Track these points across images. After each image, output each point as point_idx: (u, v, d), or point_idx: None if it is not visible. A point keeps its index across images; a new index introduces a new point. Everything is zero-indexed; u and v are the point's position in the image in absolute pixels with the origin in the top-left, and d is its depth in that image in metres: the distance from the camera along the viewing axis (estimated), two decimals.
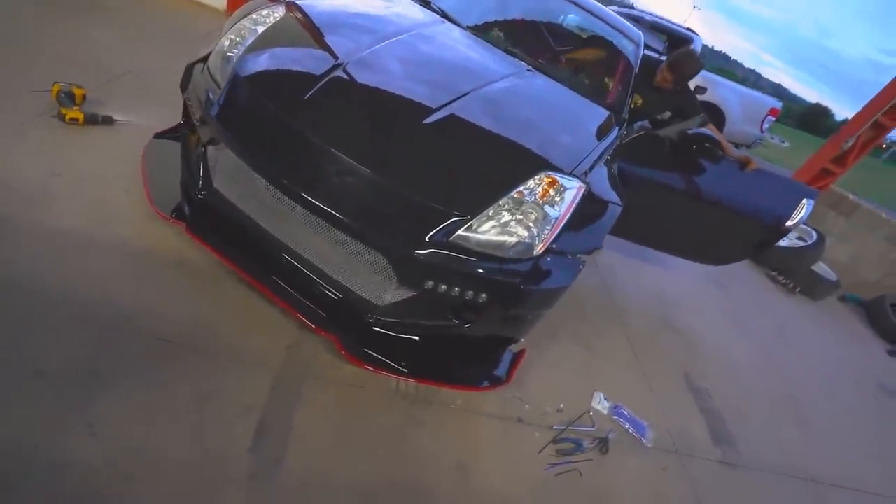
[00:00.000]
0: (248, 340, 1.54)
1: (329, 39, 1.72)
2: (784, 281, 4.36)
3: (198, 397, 1.33)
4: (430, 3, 2.39)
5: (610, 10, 3.04)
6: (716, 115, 6.58)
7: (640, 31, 2.79)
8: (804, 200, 2.46)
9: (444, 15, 2.32)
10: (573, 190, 1.58)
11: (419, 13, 2.22)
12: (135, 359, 1.35)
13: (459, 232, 1.40)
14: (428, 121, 1.53)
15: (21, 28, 2.59)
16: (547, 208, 1.51)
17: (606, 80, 2.53)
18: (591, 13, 2.75)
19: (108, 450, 1.15)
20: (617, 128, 2.16)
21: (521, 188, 1.49)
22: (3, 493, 1.02)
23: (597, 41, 2.71)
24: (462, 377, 1.63)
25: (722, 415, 2.30)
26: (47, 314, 1.35)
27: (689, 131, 2.39)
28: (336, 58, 1.61)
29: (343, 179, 1.39)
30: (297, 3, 1.88)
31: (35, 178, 1.72)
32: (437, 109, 1.57)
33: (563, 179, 1.57)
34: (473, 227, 1.41)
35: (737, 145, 6.46)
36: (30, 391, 1.18)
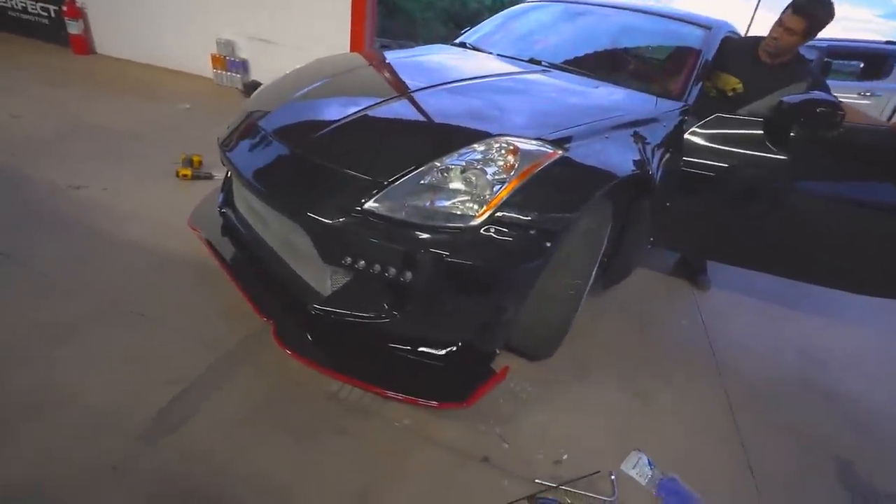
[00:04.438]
0: (211, 324, 1.60)
1: (315, 73, 1.93)
2: None
3: (130, 356, 1.40)
4: (464, 43, 2.53)
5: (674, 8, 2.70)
6: None
7: (716, 20, 2.37)
8: None
9: (474, 48, 2.42)
10: (538, 154, 1.31)
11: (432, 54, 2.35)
12: (107, 321, 1.53)
13: (376, 196, 1.26)
14: (360, 112, 1.53)
15: (191, 126, 3.63)
16: (493, 173, 1.27)
17: (667, 74, 2.17)
18: (651, 14, 2.49)
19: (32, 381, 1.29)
20: (660, 107, 1.82)
21: (467, 157, 1.30)
22: None
23: (654, 38, 2.40)
24: (400, 385, 1.32)
25: None
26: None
27: (789, 99, 1.76)
28: (301, 87, 1.79)
29: (273, 159, 1.46)
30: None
31: (139, 207, 2.27)
32: (378, 103, 1.57)
33: (523, 144, 1.33)
34: (394, 193, 1.26)
35: None
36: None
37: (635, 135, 1.62)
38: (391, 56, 2.23)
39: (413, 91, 1.65)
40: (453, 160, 1.30)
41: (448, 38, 2.73)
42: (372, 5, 4.12)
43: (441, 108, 1.61)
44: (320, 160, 1.38)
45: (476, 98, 1.68)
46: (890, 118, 5.49)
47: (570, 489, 1.25)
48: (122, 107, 3.74)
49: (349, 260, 1.27)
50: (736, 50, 2.20)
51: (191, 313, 1.65)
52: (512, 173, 1.26)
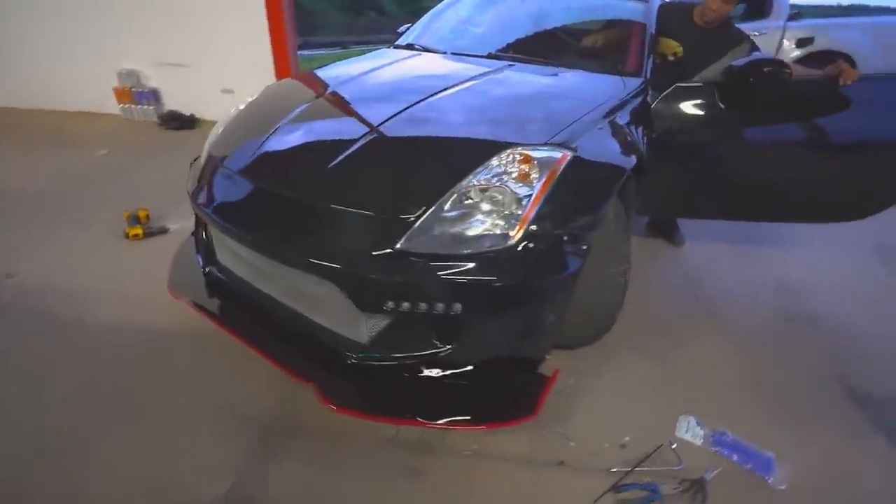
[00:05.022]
0: (234, 397, 1.48)
1: (277, 106, 1.80)
2: None
3: (159, 459, 1.28)
4: (412, 45, 2.45)
5: None
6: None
7: None
8: None
9: (425, 49, 2.35)
10: (551, 160, 1.32)
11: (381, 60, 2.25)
12: (115, 421, 1.37)
13: (406, 235, 1.21)
14: (358, 143, 1.45)
15: (119, 175, 3.27)
16: (516, 187, 1.26)
17: (615, 49, 2.25)
18: None
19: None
20: (628, 86, 1.87)
21: (482, 175, 1.28)
22: None
23: (595, 15, 2.48)
24: (469, 414, 1.31)
25: None
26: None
27: (737, 63, 1.91)
28: (281, 118, 1.66)
29: (270, 208, 1.37)
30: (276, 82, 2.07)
31: (96, 281, 2.03)
32: (372, 129, 1.50)
33: (535, 152, 1.33)
34: (422, 228, 1.22)
35: None
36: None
37: (620, 119, 1.67)
38: (344, 74, 2.10)
39: (399, 113, 1.58)
40: (471, 181, 1.28)
41: (349, 27, 2.66)
42: (289, 7, 3.86)
43: (435, 127, 1.57)
44: (333, 204, 1.30)
45: (464, 110, 1.64)
46: (776, 53, 6.09)
47: (646, 468, 1.32)
48: (27, 163, 3.28)
49: (391, 305, 1.22)
50: (672, 15, 2.32)
51: (207, 393, 1.51)
52: (535, 185, 1.27)
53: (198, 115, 4.22)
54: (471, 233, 1.22)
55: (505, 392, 1.37)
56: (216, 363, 1.63)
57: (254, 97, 1.97)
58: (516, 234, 1.22)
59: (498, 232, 1.22)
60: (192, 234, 2.20)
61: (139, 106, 4.25)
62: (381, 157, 1.43)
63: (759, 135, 2.03)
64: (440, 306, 1.21)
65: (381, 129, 1.50)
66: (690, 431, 1.45)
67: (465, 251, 1.20)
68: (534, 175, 1.28)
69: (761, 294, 2.22)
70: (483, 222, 1.23)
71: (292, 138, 1.58)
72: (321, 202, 1.32)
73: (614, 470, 1.32)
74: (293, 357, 1.43)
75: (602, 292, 1.52)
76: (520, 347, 1.36)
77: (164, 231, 2.44)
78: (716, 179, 2.10)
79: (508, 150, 1.34)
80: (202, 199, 1.55)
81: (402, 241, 1.20)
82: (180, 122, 4.08)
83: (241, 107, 1.93)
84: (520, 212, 1.23)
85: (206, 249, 1.75)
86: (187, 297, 1.71)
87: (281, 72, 3.92)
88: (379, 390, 1.35)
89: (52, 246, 2.30)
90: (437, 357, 1.31)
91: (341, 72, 2.11)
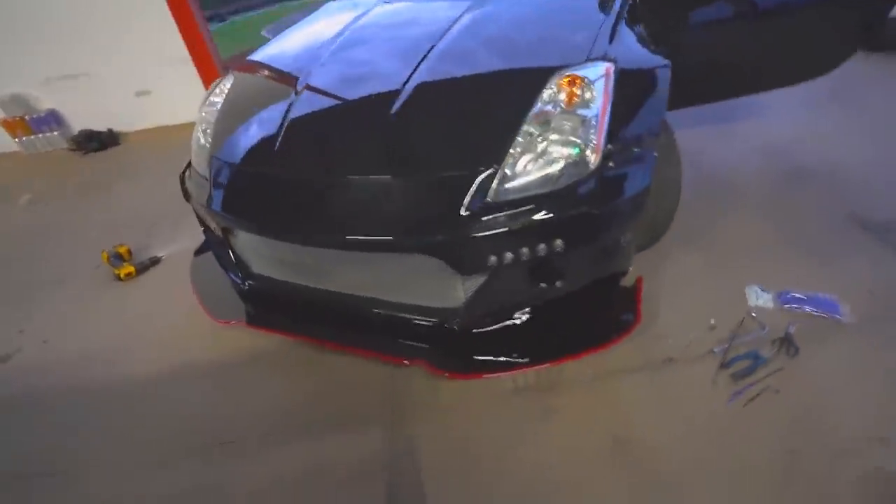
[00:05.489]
0: (342, 406, 1.44)
1: (277, 81, 1.61)
2: None
3: (310, 472, 1.25)
4: None
5: None
6: None
7: None
8: None
9: None
10: (600, 75, 1.28)
11: (353, 12, 2.02)
12: (226, 468, 1.31)
13: (493, 188, 1.17)
14: (398, 102, 1.34)
15: (62, 218, 2.87)
16: (580, 111, 1.23)
17: None
18: None
19: None
20: None
21: (538, 108, 1.23)
22: None
23: None
24: (581, 341, 1.36)
25: None
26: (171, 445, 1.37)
27: None
28: (290, 94, 1.49)
29: (345, 200, 1.25)
30: (242, 62, 1.82)
31: (110, 333, 1.83)
32: (403, 87, 1.37)
33: (582, 71, 1.29)
34: (506, 176, 1.18)
35: None
36: None
37: (627, 22, 1.64)
38: (321, 39, 1.83)
39: (420, 64, 1.44)
40: (533, 116, 1.23)
41: None
42: None
43: (466, 69, 1.44)
44: (405, 174, 1.21)
45: (484, 46, 1.52)
46: None
47: (740, 341, 1.44)
48: None
49: (493, 260, 1.20)
50: None
51: (309, 410, 1.44)
52: (596, 104, 1.24)
53: (117, 129, 3.69)
54: (552, 169, 1.20)
55: (606, 311, 1.42)
56: (301, 381, 1.55)
57: (225, 89, 1.72)
58: (595, 157, 1.20)
59: (578, 160, 1.20)
60: (198, 253, 2.02)
61: (40, 135, 3.64)
62: (429, 114, 1.33)
63: (704, 16, 2.03)
64: (541, 248, 1.20)
65: (413, 85, 1.38)
66: (760, 298, 1.59)
67: (553, 188, 1.18)
68: (589, 95, 1.25)
69: (756, 161, 2.38)
70: (560, 155, 1.20)
71: (317, 119, 1.43)
72: (392, 175, 1.22)
73: (715, 350, 1.43)
74: (385, 342, 1.40)
75: (663, 196, 1.56)
76: (609, 266, 1.39)
77: (156, 261, 2.21)
78: (682, 67, 2.13)
79: (555, 76, 1.28)
80: (228, 211, 1.39)
81: (490, 193, 1.17)
82: (99, 142, 3.56)
83: (215, 100, 1.69)
84: (591, 134, 1.21)
85: (237, 264, 1.60)
86: (238, 318, 1.59)
87: (199, 56, 3.46)
88: (486, 346, 1.35)
89: (40, 311, 2.02)
90: (538, 298, 1.32)
91: (314, 38, 1.87)
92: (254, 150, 1.42)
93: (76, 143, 3.58)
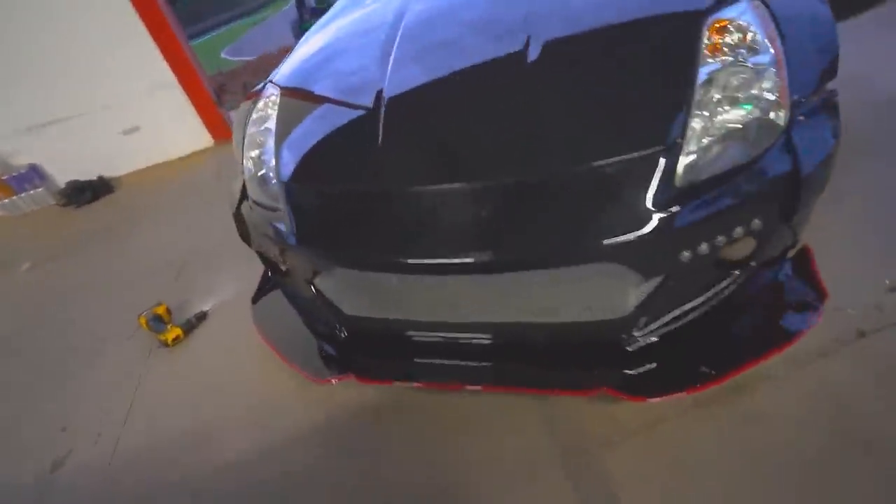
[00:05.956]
0: (497, 455, 1.20)
1: (345, 82, 1.34)
2: None
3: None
4: None
5: None
6: None
7: None
8: None
9: None
10: (756, 15, 1.05)
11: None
12: None
13: (682, 165, 0.94)
14: (526, 83, 1.09)
15: (73, 281, 2.55)
16: (752, 61, 1.00)
17: None
18: None
19: None
20: None
21: (703, 66, 1.00)
22: None
23: None
24: (768, 336, 1.14)
25: None
26: None
27: None
28: (369, 98, 1.22)
29: (499, 210, 1.00)
30: (280, 75, 1.54)
31: (180, 414, 1.56)
32: (522, 65, 1.11)
33: (733, 11, 1.05)
34: (691, 152, 0.95)
35: None
36: None
37: None
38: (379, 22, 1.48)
39: (529, 38, 1.16)
40: (702, 74, 1.00)
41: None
42: (164, 3, 2.99)
43: (588, 32, 1.16)
44: (577, 165, 0.97)
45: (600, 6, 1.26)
46: None
47: None
48: None
49: (686, 255, 0.97)
50: None
51: (462, 475, 1.19)
52: (766, 49, 1.01)
53: (107, 175, 3.35)
54: (740, 135, 0.97)
55: (788, 294, 1.20)
56: (423, 426, 1.30)
57: (270, 107, 1.42)
58: (784, 113, 0.98)
59: (766, 120, 0.98)
60: (257, 299, 1.76)
61: (24, 194, 3.28)
62: (571, 91, 1.07)
63: None
64: (738, 231, 0.97)
65: (533, 60, 1.10)
66: None
67: (747, 158, 0.95)
68: (754, 38, 1.02)
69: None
70: (744, 117, 0.97)
71: (426, 119, 1.16)
72: (549, 172, 0.98)
73: None
74: (546, 374, 1.16)
75: None
76: (788, 238, 1.17)
77: (202, 317, 1.92)
78: None
79: (706, 22, 1.05)
80: (333, 246, 1.14)
81: (680, 173, 0.93)
82: (92, 192, 3.22)
83: (263, 121, 1.41)
84: (773, 86, 0.99)
85: (327, 310, 1.33)
86: (340, 373, 1.33)
87: (186, 78, 3.13)
88: (675, 356, 1.13)
89: (86, 403, 1.73)
90: (724, 291, 1.10)
91: (357, 36, 1.54)
92: (351, 167, 1.15)
93: (66, 198, 3.23)
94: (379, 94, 1.20)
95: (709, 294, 1.09)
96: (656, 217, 0.93)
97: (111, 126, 3.18)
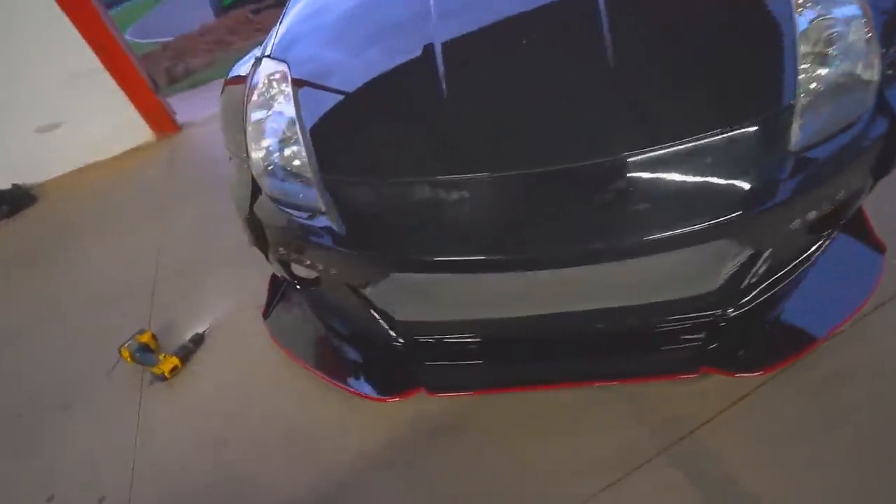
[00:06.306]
0: (595, 449, 1.12)
1: (379, 47, 1.14)
2: None
3: None
4: None
5: None
6: None
7: None
8: None
9: None
10: None
11: None
12: None
13: (793, 134, 0.88)
14: (607, 49, 0.95)
15: (14, 314, 2.13)
16: (837, 12, 0.95)
17: None
18: None
19: None
20: None
21: (799, 19, 0.94)
22: None
23: None
24: (847, 295, 1.15)
25: None
26: None
27: None
28: (415, 56, 1.04)
29: (602, 196, 0.89)
30: (277, 47, 1.29)
31: (200, 459, 1.33)
32: (596, 31, 0.97)
33: None
34: (803, 115, 0.89)
35: None
36: None
37: None
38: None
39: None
40: (796, 33, 0.94)
41: None
42: None
43: None
44: (680, 141, 0.87)
45: None
46: None
47: None
48: None
49: (798, 223, 0.92)
50: None
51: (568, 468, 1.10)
52: (851, 1, 0.97)
53: (26, 182, 2.81)
54: (844, 93, 0.92)
55: (853, 249, 1.21)
56: (500, 439, 1.19)
57: (284, 92, 1.18)
58: (876, 67, 0.94)
59: (862, 75, 0.94)
60: (268, 314, 1.54)
61: None
62: (663, 55, 0.96)
63: None
64: (843, 193, 0.94)
65: (607, 25, 0.98)
66: None
67: (853, 115, 0.92)
68: None
69: None
70: (844, 73, 0.93)
71: (496, 96, 0.99)
72: (656, 146, 0.87)
73: None
74: (646, 362, 1.10)
75: None
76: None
77: (200, 339, 1.66)
78: None
79: None
80: (377, 242, 0.98)
81: (792, 139, 0.88)
82: (9, 204, 2.69)
83: (278, 105, 1.17)
84: (864, 37, 0.94)
85: (380, 316, 1.16)
86: (414, 388, 1.19)
87: (114, 62, 2.65)
88: (767, 327, 1.10)
89: (75, 463, 1.44)
90: (818, 251, 1.08)
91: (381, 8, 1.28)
92: (416, 152, 0.98)
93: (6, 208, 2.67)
94: (429, 57, 1.02)
95: (800, 259, 1.07)
96: (776, 187, 0.87)
97: (24, 124, 2.64)
